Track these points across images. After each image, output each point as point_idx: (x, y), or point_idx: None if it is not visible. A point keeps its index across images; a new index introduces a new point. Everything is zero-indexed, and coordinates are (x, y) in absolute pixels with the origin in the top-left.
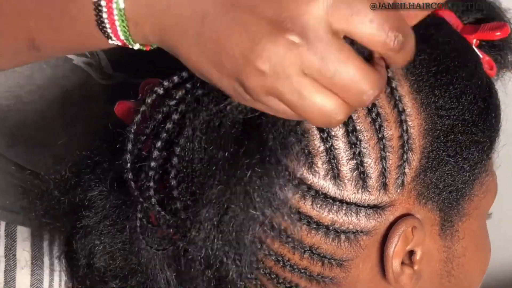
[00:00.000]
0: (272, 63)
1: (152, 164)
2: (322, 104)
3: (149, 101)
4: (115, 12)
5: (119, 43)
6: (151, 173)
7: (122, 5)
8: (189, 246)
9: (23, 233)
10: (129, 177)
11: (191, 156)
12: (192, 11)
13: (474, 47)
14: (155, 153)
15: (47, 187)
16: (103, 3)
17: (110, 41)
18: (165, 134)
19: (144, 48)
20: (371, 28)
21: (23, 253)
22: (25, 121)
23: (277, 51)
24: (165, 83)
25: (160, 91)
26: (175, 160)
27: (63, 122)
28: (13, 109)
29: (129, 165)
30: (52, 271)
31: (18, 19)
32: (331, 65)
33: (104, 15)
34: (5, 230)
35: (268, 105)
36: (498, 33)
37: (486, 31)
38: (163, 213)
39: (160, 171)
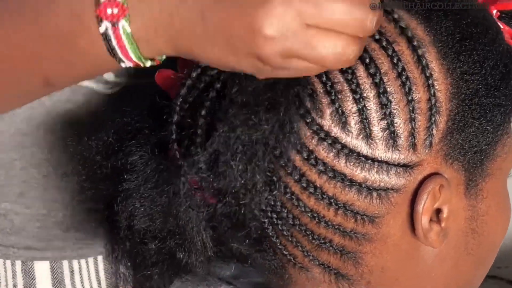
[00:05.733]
0: (275, 26)
1: (199, 131)
2: (333, 45)
3: (194, 75)
4: (123, 37)
5: (132, 64)
6: (198, 139)
7: (128, 30)
8: (228, 208)
9: (41, 271)
10: (175, 147)
11: (233, 120)
12: (191, 13)
13: (494, 18)
14: (201, 120)
15: (89, 153)
16: (110, 31)
17: (122, 64)
18: (208, 102)
19: (155, 63)
20: None
21: None
22: (31, 165)
23: (274, 14)
24: None
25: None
26: (220, 126)
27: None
28: (18, 159)
29: (174, 136)
30: None
31: (30, 63)
32: (325, 6)
33: (114, 42)
34: (22, 269)
35: (290, 68)
36: None
37: (505, 2)
38: (211, 176)
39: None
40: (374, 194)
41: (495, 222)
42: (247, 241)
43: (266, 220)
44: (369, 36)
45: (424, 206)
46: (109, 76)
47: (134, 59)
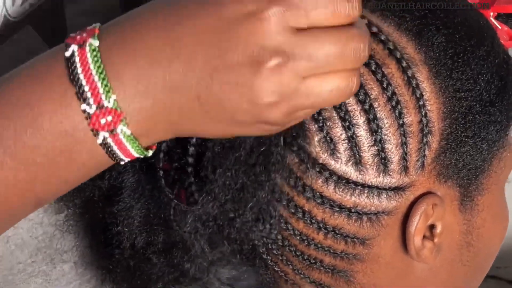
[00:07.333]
0: (277, 91)
1: (190, 160)
2: (335, 86)
3: None
4: (124, 141)
5: (132, 158)
6: (189, 169)
7: (128, 132)
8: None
9: None
10: (168, 192)
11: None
12: (187, 99)
13: (492, 18)
14: (191, 150)
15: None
16: (109, 140)
17: (122, 162)
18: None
19: (153, 150)
20: (320, 14)
21: None
22: None
23: (272, 81)
24: None
25: None
26: (208, 154)
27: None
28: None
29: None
30: None
31: (25, 188)
32: (317, 56)
33: (115, 147)
34: None
35: (298, 118)
36: None
37: (502, 5)
38: (199, 206)
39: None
40: (365, 218)
41: (491, 233)
42: (240, 255)
43: (259, 243)
44: None
45: (417, 226)
46: None
47: (136, 155)
